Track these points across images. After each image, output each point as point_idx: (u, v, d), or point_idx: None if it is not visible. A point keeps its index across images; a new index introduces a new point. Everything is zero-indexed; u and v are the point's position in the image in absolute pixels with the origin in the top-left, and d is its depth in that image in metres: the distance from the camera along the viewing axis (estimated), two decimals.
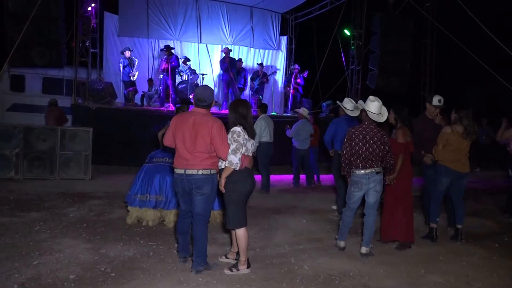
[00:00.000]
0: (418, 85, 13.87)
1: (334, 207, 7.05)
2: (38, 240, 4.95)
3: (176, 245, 4.84)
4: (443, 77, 14.60)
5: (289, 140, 9.53)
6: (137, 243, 4.99)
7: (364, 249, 4.76)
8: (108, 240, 5.07)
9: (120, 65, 11.99)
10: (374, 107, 4.65)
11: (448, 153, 5.32)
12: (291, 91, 13.56)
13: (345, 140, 4.74)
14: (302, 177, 9.75)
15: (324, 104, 13.53)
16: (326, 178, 10.43)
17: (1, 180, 8.57)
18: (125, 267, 4.23)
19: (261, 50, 15.09)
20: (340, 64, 14.00)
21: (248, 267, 4.19)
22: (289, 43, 15.67)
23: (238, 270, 4.15)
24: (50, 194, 7.56)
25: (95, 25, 11.58)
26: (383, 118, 4.72)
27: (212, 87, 4.35)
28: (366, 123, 4.69)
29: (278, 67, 15.39)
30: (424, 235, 5.57)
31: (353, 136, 4.66)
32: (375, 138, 4.60)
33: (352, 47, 13.60)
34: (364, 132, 4.64)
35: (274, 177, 9.76)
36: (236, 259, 4.41)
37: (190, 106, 6.71)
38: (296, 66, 13.67)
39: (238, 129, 4.04)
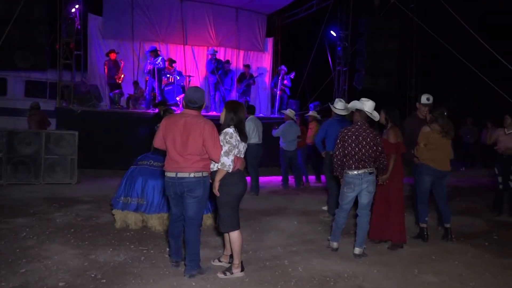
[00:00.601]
0: (405, 86, 13.96)
1: (325, 207, 7.03)
2: (25, 247, 4.81)
3: (167, 249, 4.76)
4: (429, 78, 14.73)
5: (277, 141, 9.50)
6: (127, 248, 4.89)
7: (357, 250, 4.75)
8: (97, 246, 4.96)
9: (105, 67, 11.84)
10: (369, 106, 4.66)
11: (430, 152, 5.37)
12: (278, 92, 13.53)
13: (338, 140, 4.73)
14: (291, 178, 9.74)
15: (311, 105, 13.50)
16: (315, 179, 10.45)
17: None
18: (115, 273, 4.14)
19: (246, 51, 15.04)
20: (327, 65, 14.03)
21: (242, 270, 4.13)
22: (275, 45, 15.65)
23: (232, 273, 4.08)
24: (35, 200, 7.39)
25: (79, 27, 11.39)
26: (376, 118, 4.73)
27: None
28: (359, 123, 4.68)
29: (264, 68, 15.35)
30: (415, 235, 5.58)
31: (346, 136, 4.65)
32: (368, 139, 4.60)
33: (339, 48, 13.62)
34: (357, 133, 4.63)
35: (262, 179, 9.72)
36: (229, 262, 4.35)
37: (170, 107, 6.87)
38: (283, 67, 13.64)
39: (230, 130, 3.98)
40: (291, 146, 9.28)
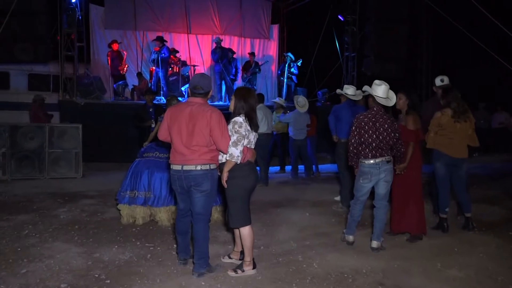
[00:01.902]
0: (415, 71, 13.58)
1: (337, 198, 6.77)
2: (26, 246, 4.61)
3: (175, 245, 4.54)
4: (440, 62, 14.32)
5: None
6: (133, 245, 4.68)
7: (375, 243, 4.49)
8: (102, 243, 4.74)
9: (108, 58, 11.61)
10: (381, 91, 4.36)
11: (441, 138, 5.07)
12: (285, 80, 13.23)
13: (353, 128, 4.44)
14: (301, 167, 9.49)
15: (319, 92, 13.21)
16: (325, 168, 10.17)
17: None
18: (120, 272, 3.92)
19: (252, 39, 14.72)
20: (335, 51, 13.66)
21: (254, 267, 3.89)
22: (280, 32, 15.32)
23: (243, 271, 3.85)
24: (39, 195, 7.20)
25: (80, 17, 11.12)
26: (391, 102, 4.44)
27: None
28: (374, 109, 4.38)
29: (270, 56, 15.03)
30: (434, 225, 5.31)
31: (362, 123, 4.36)
32: (385, 125, 4.31)
33: (347, 33, 13.23)
34: (373, 119, 4.33)
35: (271, 169, 9.50)
36: (240, 259, 4.11)
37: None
38: (289, 54, 13.32)
39: (240, 119, 3.72)
40: (301, 134, 9.01)
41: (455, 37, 11.12)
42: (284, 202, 6.81)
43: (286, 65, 13.13)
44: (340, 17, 13.62)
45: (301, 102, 9.02)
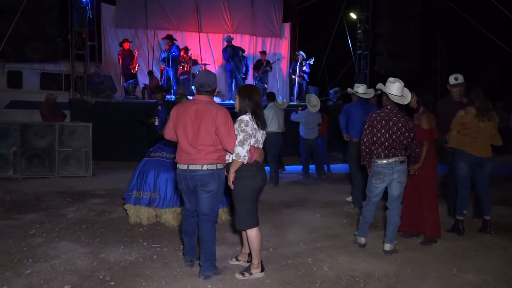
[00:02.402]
0: (429, 69, 13.31)
1: (349, 199, 6.63)
2: (32, 245, 4.56)
3: (182, 246, 4.45)
4: (454, 60, 14.01)
5: (297, 129, 9.10)
6: (139, 245, 4.60)
7: (387, 246, 4.34)
8: (108, 243, 4.68)
9: (119, 57, 11.60)
10: (395, 88, 4.20)
11: (465, 137, 4.90)
12: (297, 79, 13.07)
13: (366, 126, 4.29)
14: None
15: (331, 91, 13.02)
16: (336, 168, 10.00)
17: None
18: (126, 274, 3.84)
19: (263, 37, 14.58)
20: (347, 49, 13.46)
21: (262, 270, 3.78)
22: (292, 30, 15.14)
23: (251, 274, 3.74)
24: (49, 194, 7.19)
25: (91, 16, 11.11)
26: (406, 100, 4.28)
27: None
28: (388, 107, 4.23)
29: (282, 54, 14.88)
30: (449, 227, 5.13)
31: (375, 122, 4.21)
32: (399, 124, 4.16)
33: (359, 31, 13.03)
34: (387, 118, 4.18)
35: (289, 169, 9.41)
36: (248, 261, 4.00)
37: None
38: (301, 52, 13.16)
39: (246, 117, 3.60)
40: (312, 134, 8.87)
41: (470, 34, 10.85)
42: (294, 203, 6.69)
43: (298, 64, 12.98)
44: (352, 14, 13.43)
45: (313, 101, 8.87)
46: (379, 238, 4.77)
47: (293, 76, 13.26)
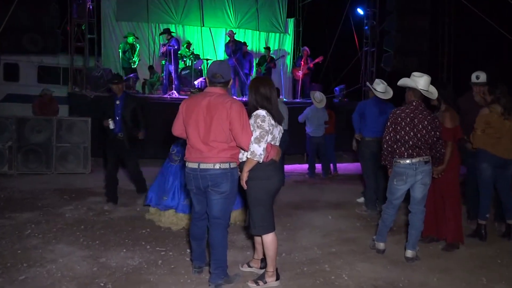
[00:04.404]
0: (437, 66, 13.01)
1: (360, 200, 6.33)
2: (27, 247, 4.25)
3: (188, 251, 4.15)
4: (463, 57, 13.68)
5: (302, 127, 8.80)
6: (142, 249, 4.29)
7: (409, 253, 4.04)
8: (109, 246, 4.37)
9: (120, 50, 11.27)
10: (423, 82, 3.91)
11: (489, 137, 4.61)
12: (300, 75, 12.75)
13: (388, 123, 3.98)
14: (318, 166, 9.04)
15: (337, 88, 12.72)
16: (342, 167, 9.70)
17: None
18: (128, 281, 3.53)
19: (267, 33, 14.27)
20: (353, 46, 13.16)
21: (277, 279, 3.47)
22: (296, 26, 14.83)
23: (265, 283, 3.43)
24: (45, 191, 6.87)
25: (90, 7, 10.76)
26: (434, 95, 4.00)
27: None
28: (414, 104, 3.92)
29: (285, 51, 14.55)
30: (469, 232, 4.84)
31: (399, 119, 3.90)
32: (425, 122, 3.86)
33: (366, 27, 12.71)
34: (412, 115, 3.88)
35: (286, 167, 9.05)
36: (261, 268, 3.71)
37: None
38: (306, 48, 12.84)
39: (262, 112, 3.28)
40: (318, 132, 8.57)
41: (481, 29, 10.53)
42: (303, 204, 6.39)
43: (303, 59, 12.65)
44: (359, 10, 13.11)
45: (318, 97, 8.57)
46: (397, 244, 4.49)
47: (298, 73, 12.94)
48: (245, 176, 3.30)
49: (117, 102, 5.91)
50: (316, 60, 12.34)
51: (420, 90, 3.91)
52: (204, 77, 11.14)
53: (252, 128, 3.27)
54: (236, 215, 4.98)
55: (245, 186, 3.33)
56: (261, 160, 3.25)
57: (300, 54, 13.16)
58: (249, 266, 3.80)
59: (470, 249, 4.44)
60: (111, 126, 5.80)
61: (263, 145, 3.23)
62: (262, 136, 3.23)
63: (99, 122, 6.15)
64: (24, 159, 8.31)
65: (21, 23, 9.07)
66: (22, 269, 3.71)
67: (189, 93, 7.95)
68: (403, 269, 3.87)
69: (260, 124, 3.25)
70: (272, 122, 3.32)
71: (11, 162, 8.23)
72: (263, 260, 3.72)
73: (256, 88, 3.38)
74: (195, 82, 11.28)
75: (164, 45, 11.07)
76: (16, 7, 8.43)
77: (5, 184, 7.29)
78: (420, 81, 3.91)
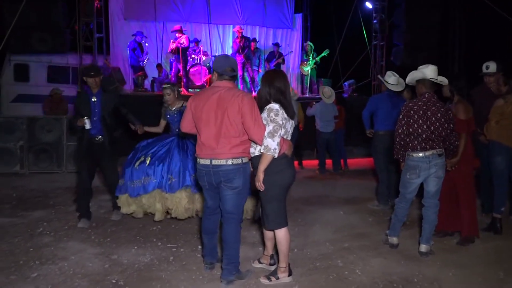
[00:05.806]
0: (448, 59, 12.83)
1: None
2: (39, 245, 4.26)
3: (199, 247, 4.13)
4: (474, 50, 13.48)
5: (312, 123, 8.74)
6: (153, 246, 4.28)
7: (424, 247, 3.98)
8: (120, 243, 4.37)
9: (129, 49, 11.29)
10: (430, 71, 3.85)
11: (503, 128, 4.53)
12: (309, 71, 12.66)
13: (401, 116, 3.92)
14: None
15: (346, 83, 12.61)
16: (352, 163, 9.61)
17: (6, 175, 7.96)
18: (140, 278, 3.52)
19: (274, 29, 14.20)
20: (361, 40, 13.01)
21: (290, 274, 3.43)
22: (304, 21, 14.73)
23: (277, 278, 3.40)
24: (56, 190, 6.91)
25: (98, 6, 10.78)
26: (444, 82, 3.95)
27: None
28: (426, 96, 3.86)
29: (293, 46, 14.47)
30: (484, 226, 4.76)
31: (411, 112, 3.84)
32: (438, 115, 3.79)
33: (375, 21, 12.58)
34: (424, 107, 3.81)
35: (295, 163, 9.00)
36: (271, 264, 3.68)
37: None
38: (309, 43, 12.74)
39: (275, 106, 3.23)
40: (328, 127, 8.51)
41: (492, 22, 10.34)
42: (314, 199, 6.34)
43: (311, 56, 12.57)
44: (367, 4, 12.97)
45: (327, 92, 8.51)
46: (411, 238, 4.43)
47: (305, 68, 12.85)
48: (261, 176, 3.20)
49: (94, 99, 5.04)
50: (321, 54, 12.27)
51: (431, 79, 3.84)
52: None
53: (265, 122, 3.22)
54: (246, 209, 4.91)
55: (262, 187, 3.24)
56: (276, 155, 3.19)
57: (306, 50, 13.04)
58: (260, 263, 3.76)
59: (485, 243, 4.36)
60: (88, 126, 4.93)
61: (277, 139, 3.17)
62: (275, 131, 3.18)
63: (69, 123, 5.23)
64: (35, 158, 8.37)
65: (30, 22, 9.12)
66: (34, 266, 3.72)
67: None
68: (418, 264, 3.81)
69: (274, 118, 3.20)
70: (285, 116, 3.27)
71: (22, 162, 8.29)
72: (273, 256, 3.70)
73: (270, 81, 3.32)
74: (204, 79, 11.28)
75: (173, 42, 11.08)
76: (24, 7, 8.46)
77: (16, 183, 7.35)
78: (427, 71, 3.85)
